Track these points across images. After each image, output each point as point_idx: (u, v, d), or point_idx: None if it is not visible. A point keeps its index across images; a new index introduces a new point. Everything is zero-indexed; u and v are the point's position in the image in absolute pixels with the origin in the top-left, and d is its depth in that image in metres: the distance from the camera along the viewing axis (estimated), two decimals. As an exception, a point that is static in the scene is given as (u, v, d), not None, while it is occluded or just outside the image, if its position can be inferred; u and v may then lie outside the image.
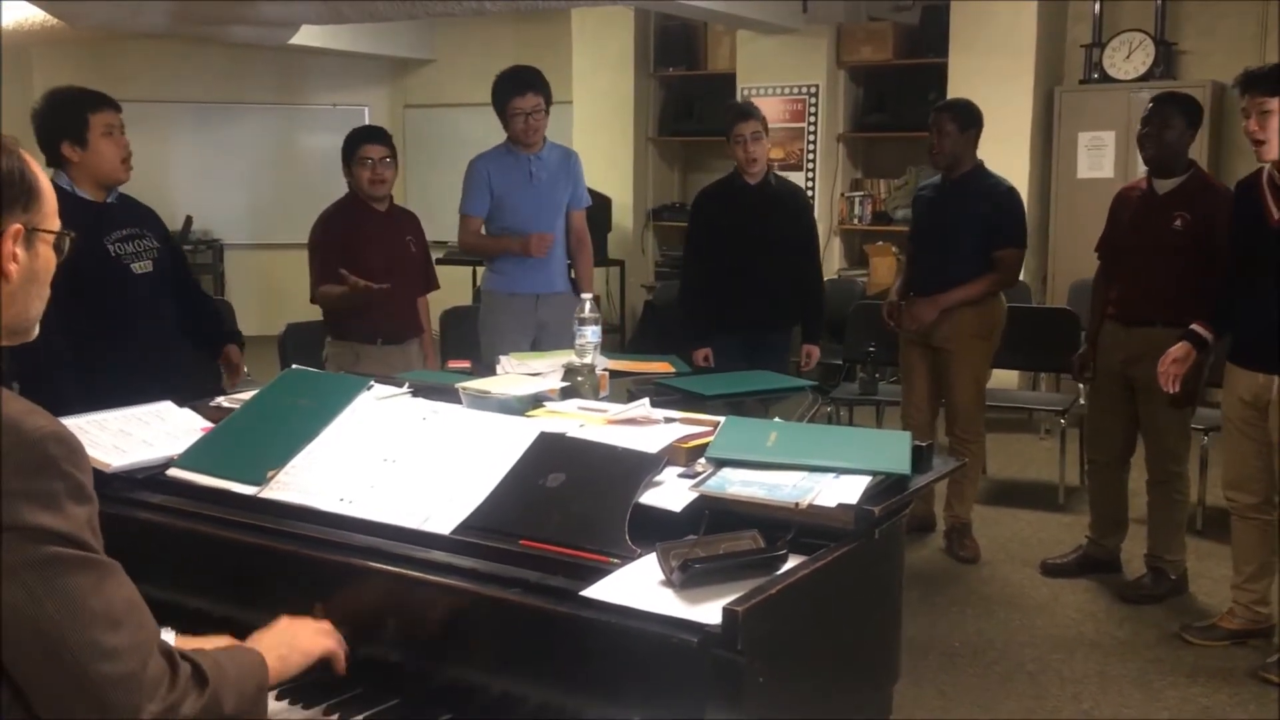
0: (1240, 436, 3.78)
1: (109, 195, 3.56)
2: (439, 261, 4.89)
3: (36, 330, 1.44)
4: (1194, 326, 3.85)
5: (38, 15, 7.54)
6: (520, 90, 4.53)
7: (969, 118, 4.66)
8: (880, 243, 7.75)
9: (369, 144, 4.33)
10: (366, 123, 8.95)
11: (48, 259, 1.41)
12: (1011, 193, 4.70)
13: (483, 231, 4.70)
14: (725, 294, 4.76)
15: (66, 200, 3.38)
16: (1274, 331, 3.59)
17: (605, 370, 3.05)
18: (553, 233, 4.62)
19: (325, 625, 1.68)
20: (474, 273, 8.50)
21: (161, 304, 3.65)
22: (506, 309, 4.68)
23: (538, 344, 4.43)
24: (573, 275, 4.84)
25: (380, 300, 4.20)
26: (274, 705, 1.66)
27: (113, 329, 3.47)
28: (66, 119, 3.43)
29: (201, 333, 3.88)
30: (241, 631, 1.78)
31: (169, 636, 1.66)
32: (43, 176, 1.40)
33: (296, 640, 1.62)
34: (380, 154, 4.31)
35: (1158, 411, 4.19)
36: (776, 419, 2.62)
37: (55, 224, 1.42)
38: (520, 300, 4.67)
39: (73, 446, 1.31)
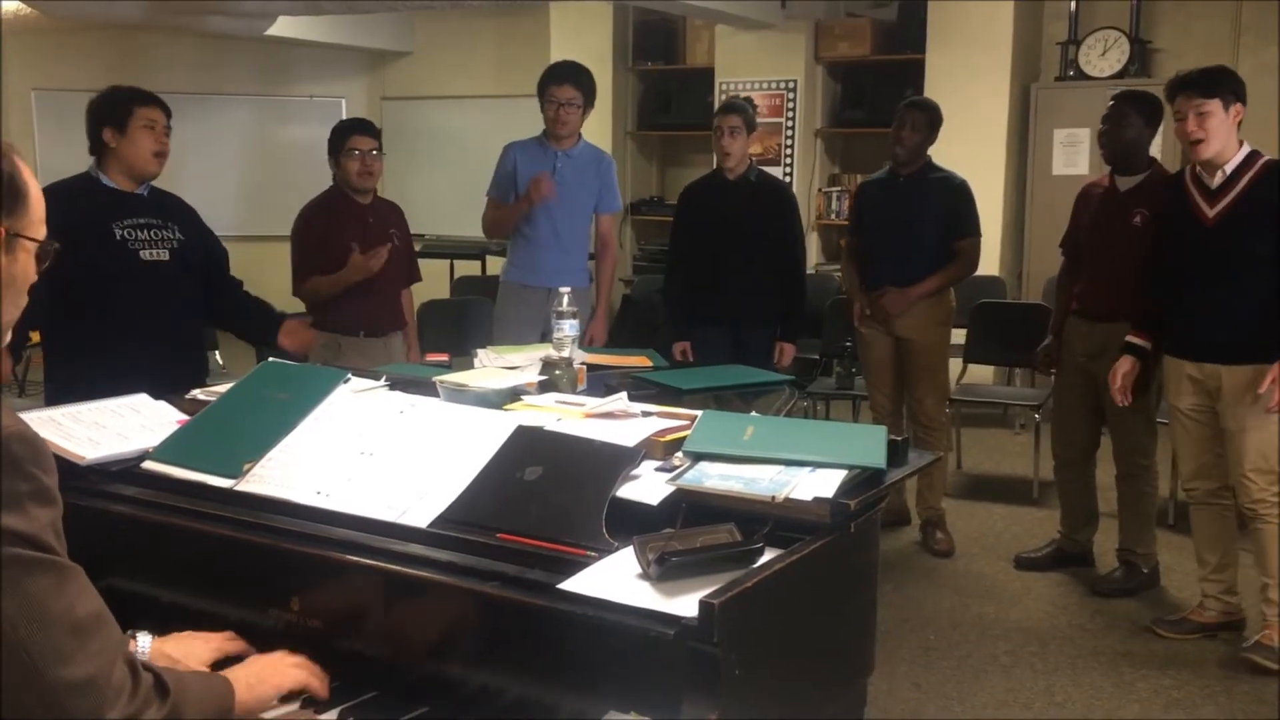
0: (1191, 423, 3.84)
1: (140, 188, 3.55)
2: (418, 254, 4.89)
3: (9, 336, 1.42)
4: (1129, 338, 3.96)
5: (11, 4, 7.47)
6: (558, 80, 4.61)
7: (936, 119, 4.77)
8: (857, 238, 7.76)
9: (358, 135, 4.32)
10: (344, 115, 8.91)
11: (26, 267, 1.39)
12: (964, 184, 4.81)
13: None
14: (706, 288, 4.78)
15: (90, 186, 3.45)
16: (1208, 322, 3.68)
17: (583, 364, 3.05)
18: (570, 220, 4.67)
19: (300, 659, 1.65)
20: (451, 266, 8.48)
21: (174, 296, 3.57)
22: (519, 300, 4.71)
23: (547, 337, 4.43)
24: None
25: (368, 288, 4.22)
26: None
27: (115, 314, 3.43)
28: (113, 107, 3.49)
29: (252, 328, 3.90)
30: (217, 625, 1.78)
31: (145, 639, 1.65)
32: (34, 185, 1.38)
33: (265, 672, 1.61)
34: (369, 146, 4.31)
35: (1121, 406, 4.25)
36: (754, 413, 2.64)
37: (40, 233, 1.39)
38: (532, 292, 4.68)
39: (37, 448, 1.28)
